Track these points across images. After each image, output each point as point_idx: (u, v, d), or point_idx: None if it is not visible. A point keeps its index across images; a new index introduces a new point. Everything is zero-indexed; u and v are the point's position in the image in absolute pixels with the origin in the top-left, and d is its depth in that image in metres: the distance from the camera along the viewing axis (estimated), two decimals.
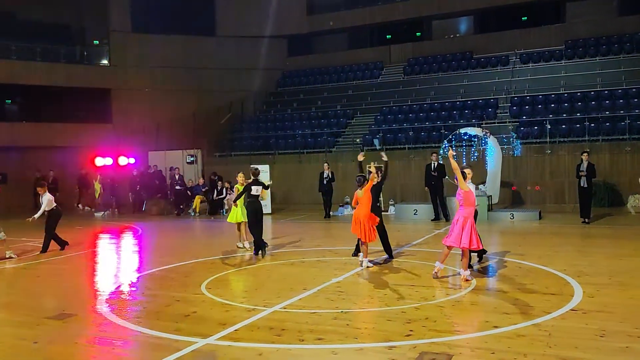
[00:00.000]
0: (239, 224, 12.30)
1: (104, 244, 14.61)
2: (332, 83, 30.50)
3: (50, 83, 26.66)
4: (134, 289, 8.77)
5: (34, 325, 6.72)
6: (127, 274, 10.11)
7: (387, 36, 32.38)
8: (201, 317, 6.88)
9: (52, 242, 12.58)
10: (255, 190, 11.24)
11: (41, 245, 12.49)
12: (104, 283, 9.35)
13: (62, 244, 12.78)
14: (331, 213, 18.73)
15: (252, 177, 11.46)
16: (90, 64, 29.34)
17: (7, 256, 11.64)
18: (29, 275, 10.24)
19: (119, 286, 8.98)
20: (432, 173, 17.03)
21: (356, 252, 10.39)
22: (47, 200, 12.38)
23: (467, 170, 8.62)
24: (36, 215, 12.41)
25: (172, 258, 11.19)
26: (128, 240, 15.17)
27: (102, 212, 22.30)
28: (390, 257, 10.36)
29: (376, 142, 23.54)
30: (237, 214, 12.10)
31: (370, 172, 9.72)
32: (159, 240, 15.11)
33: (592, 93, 22.77)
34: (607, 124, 20.20)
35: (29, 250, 12.68)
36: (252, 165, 13.49)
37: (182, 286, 8.68)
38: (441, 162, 17.07)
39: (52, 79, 26.81)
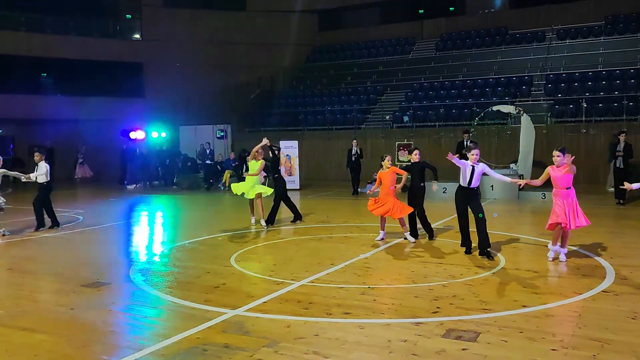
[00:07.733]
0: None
1: (137, 215, 14.94)
2: (363, 59, 30.13)
3: (84, 57, 27.07)
4: (165, 260, 8.96)
5: (70, 292, 6.95)
6: (159, 246, 10.34)
7: (420, 11, 31.74)
8: (230, 288, 7.01)
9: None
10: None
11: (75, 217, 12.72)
12: (137, 254, 9.59)
13: (53, 223, 11.92)
14: (359, 190, 18.71)
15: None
16: (122, 38, 29.64)
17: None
18: (66, 244, 10.56)
19: (152, 257, 9.20)
20: (464, 152, 16.77)
21: (412, 233, 10.18)
22: (45, 169, 11.39)
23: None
24: (31, 176, 11.31)
25: (202, 231, 11.37)
26: (159, 213, 15.48)
27: (134, 185, 22.80)
28: (414, 237, 10.19)
29: (406, 119, 23.32)
30: None
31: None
32: (189, 214, 15.38)
33: (632, 71, 22.03)
34: None
35: (64, 222, 13.03)
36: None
37: (212, 258, 8.84)
38: (473, 141, 16.81)
39: (85, 52, 27.22)
